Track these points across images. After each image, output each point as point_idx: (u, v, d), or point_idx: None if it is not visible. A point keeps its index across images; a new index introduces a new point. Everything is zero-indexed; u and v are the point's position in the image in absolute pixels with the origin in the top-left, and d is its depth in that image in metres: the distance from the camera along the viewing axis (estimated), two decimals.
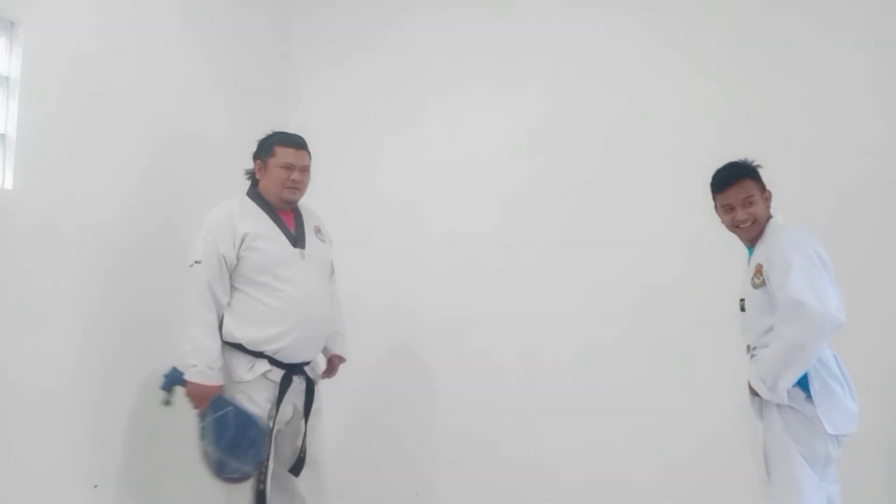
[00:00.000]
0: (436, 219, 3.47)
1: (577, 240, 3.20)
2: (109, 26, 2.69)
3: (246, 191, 2.60)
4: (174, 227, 2.95)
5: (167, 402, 2.47)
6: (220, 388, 2.37)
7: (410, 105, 3.56)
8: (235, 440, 2.29)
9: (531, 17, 3.37)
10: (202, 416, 2.36)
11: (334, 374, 2.76)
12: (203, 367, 2.33)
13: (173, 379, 2.43)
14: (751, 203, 2.27)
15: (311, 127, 3.63)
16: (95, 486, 2.57)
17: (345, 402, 3.32)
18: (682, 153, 3.07)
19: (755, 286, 2.24)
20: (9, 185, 2.35)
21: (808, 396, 2.15)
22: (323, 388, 2.70)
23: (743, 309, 2.34)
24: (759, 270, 2.24)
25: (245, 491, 2.42)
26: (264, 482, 2.44)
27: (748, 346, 2.34)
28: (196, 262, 2.39)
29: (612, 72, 3.21)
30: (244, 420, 2.32)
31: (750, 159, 2.35)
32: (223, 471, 2.32)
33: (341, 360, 2.76)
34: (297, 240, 2.54)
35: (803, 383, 2.15)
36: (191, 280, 2.39)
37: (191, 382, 2.35)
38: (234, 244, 2.41)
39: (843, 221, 2.81)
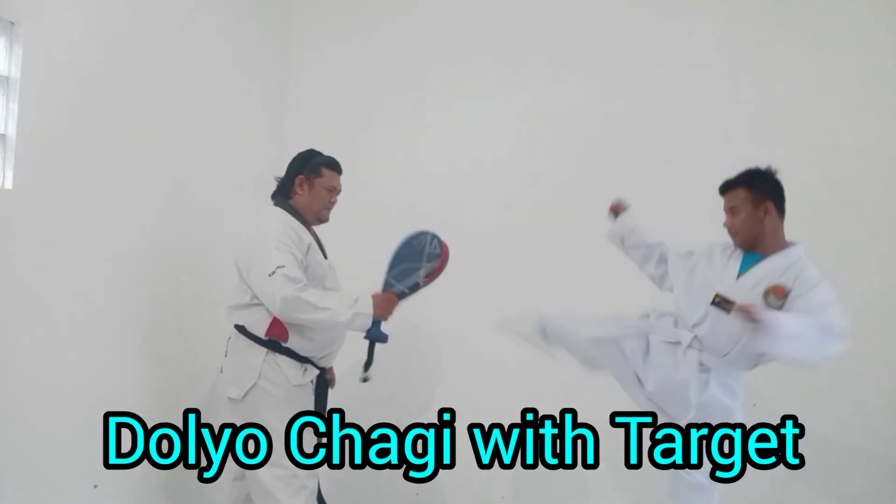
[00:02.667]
0: (436, 220, 3.46)
1: (578, 238, 3.21)
2: (109, 26, 2.69)
3: (275, 203, 2.60)
4: (174, 226, 2.95)
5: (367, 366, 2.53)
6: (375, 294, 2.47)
7: (410, 106, 3.57)
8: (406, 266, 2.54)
9: (531, 20, 3.38)
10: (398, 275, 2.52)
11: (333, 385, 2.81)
12: (357, 300, 2.40)
13: (376, 331, 2.46)
14: (734, 213, 2.33)
15: (309, 128, 3.65)
16: (95, 486, 2.57)
17: (344, 402, 3.33)
18: (681, 154, 3.08)
19: (768, 304, 2.17)
20: (9, 185, 2.34)
21: None
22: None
23: (715, 303, 2.21)
24: (778, 292, 2.18)
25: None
26: (318, 488, 2.54)
27: (695, 337, 2.30)
28: (279, 266, 2.34)
29: (612, 73, 3.23)
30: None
31: (767, 167, 2.34)
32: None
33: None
34: (325, 253, 2.63)
35: None
36: (277, 285, 2.32)
37: (372, 310, 2.41)
38: (303, 251, 2.45)
39: (846, 220, 2.83)
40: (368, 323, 2.42)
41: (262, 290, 2.37)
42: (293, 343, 2.44)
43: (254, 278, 2.39)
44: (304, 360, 2.48)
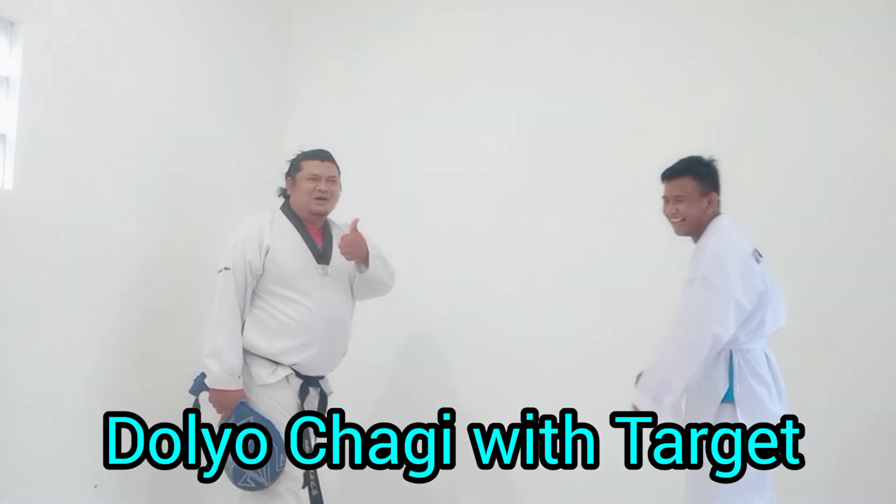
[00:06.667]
0: (436, 220, 3.47)
1: (577, 240, 3.21)
2: (109, 26, 2.69)
3: (280, 206, 2.66)
4: (174, 226, 2.96)
5: (193, 409, 2.49)
6: (241, 392, 2.40)
7: (410, 106, 3.56)
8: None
9: (531, 18, 3.38)
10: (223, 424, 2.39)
11: None
12: (223, 373, 2.37)
13: (200, 385, 2.44)
14: (679, 200, 2.33)
15: (309, 128, 3.65)
16: (95, 486, 2.57)
17: (344, 402, 3.33)
18: (681, 153, 3.07)
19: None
20: (9, 185, 2.35)
21: (732, 403, 2.17)
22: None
23: None
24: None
25: (294, 496, 2.44)
26: (317, 486, 2.50)
27: None
28: (225, 268, 2.44)
29: (612, 73, 3.22)
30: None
31: (711, 158, 2.35)
32: (239, 480, 2.36)
33: None
34: (323, 256, 2.58)
35: (728, 395, 2.18)
36: (219, 286, 2.44)
37: (212, 388, 2.39)
38: (259, 254, 2.47)
39: (842, 221, 2.83)
40: (203, 382, 2.42)
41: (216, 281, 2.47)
42: (250, 342, 2.45)
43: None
44: (276, 362, 2.48)
